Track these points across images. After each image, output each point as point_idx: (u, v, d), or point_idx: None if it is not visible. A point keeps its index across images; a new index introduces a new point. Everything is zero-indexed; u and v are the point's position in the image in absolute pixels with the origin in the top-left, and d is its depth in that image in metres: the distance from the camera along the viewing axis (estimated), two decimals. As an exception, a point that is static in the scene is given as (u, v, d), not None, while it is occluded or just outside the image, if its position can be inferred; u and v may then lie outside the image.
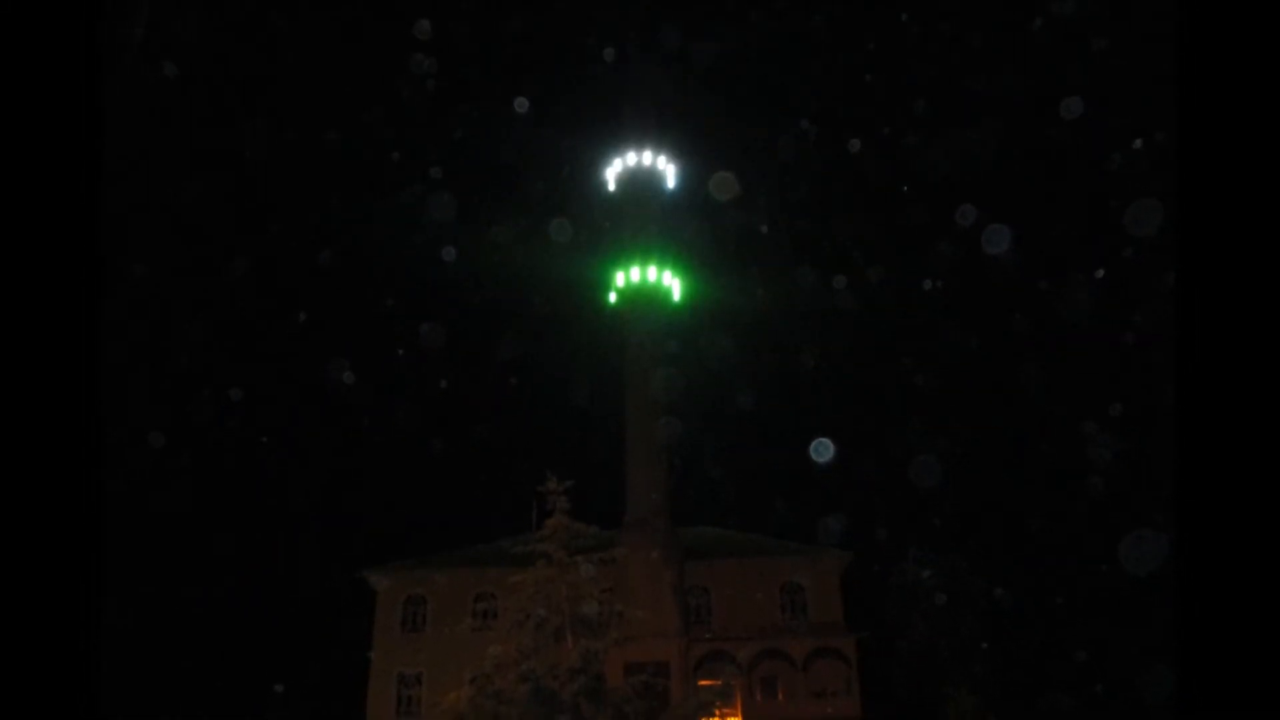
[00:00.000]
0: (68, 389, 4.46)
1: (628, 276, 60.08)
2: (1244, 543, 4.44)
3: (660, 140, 64.92)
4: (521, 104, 68.20)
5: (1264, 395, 4.42)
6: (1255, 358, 4.44)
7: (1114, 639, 53.42)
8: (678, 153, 65.91)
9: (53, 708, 4.40)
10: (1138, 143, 53.73)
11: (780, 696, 52.04)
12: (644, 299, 59.26)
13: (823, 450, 56.01)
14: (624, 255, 60.90)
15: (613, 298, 61.41)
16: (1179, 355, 4.62)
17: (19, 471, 4.35)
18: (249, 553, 69.01)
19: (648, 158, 63.76)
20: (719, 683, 47.24)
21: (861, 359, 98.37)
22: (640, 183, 63.16)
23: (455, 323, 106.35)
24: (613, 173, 64.70)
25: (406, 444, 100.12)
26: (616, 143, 65.02)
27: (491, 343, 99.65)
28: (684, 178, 65.92)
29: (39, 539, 4.37)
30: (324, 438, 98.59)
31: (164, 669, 58.38)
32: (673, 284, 61.10)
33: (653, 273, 59.97)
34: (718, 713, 46.14)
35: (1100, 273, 62.96)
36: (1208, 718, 4.48)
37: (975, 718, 53.70)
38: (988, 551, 60.49)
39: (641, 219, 61.80)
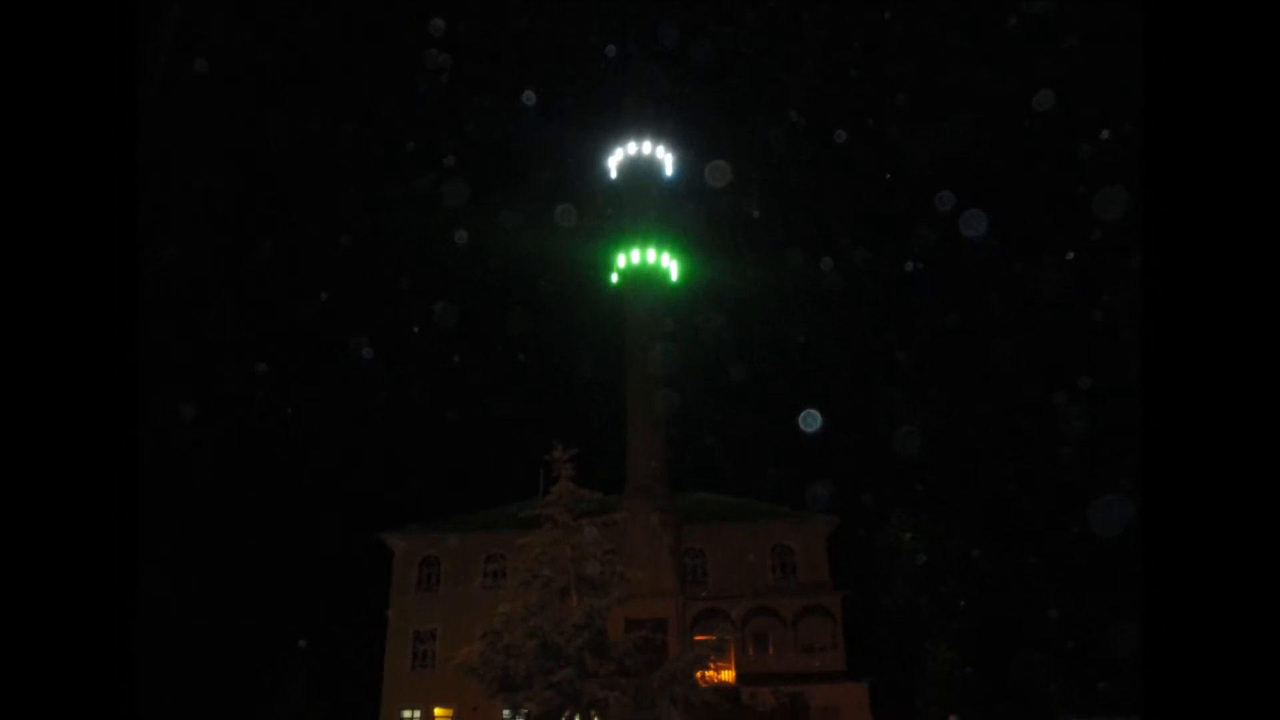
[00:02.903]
0: (105, 363, 4.47)
1: (628, 258, 60.04)
2: (1207, 506, 4.46)
3: (659, 131, 64.82)
4: (529, 97, 68.37)
5: (1224, 369, 4.44)
6: (1216, 334, 4.45)
7: (1084, 598, 53.55)
8: (675, 142, 65.84)
9: (89, 665, 4.41)
10: (1105, 133, 53.65)
11: (771, 651, 52.18)
12: (644, 279, 59.22)
13: (811, 421, 56.14)
14: (625, 238, 60.85)
15: (614, 278, 61.40)
16: (1145, 332, 4.63)
17: (60, 440, 4.37)
18: (274, 517, 69.01)
19: (647, 147, 63.65)
20: (714, 638, 47.11)
21: (847, 335, 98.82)
22: (640, 171, 63.07)
23: (467, 302, 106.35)
24: (614, 161, 64.64)
25: (421, 415, 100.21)
26: (618, 133, 64.93)
27: (501, 320, 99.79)
28: (681, 166, 65.83)
29: (78, 503, 4.39)
30: (344, 409, 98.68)
31: (194, 625, 58.58)
32: (671, 265, 61.05)
33: (652, 255, 59.92)
34: (713, 666, 46.18)
35: (1070, 255, 63.01)
36: (1173, 672, 4.50)
37: (953, 671, 53.90)
38: (965, 516, 60.59)
39: (641, 205, 61.72)
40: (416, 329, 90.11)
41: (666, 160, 64.64)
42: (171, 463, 57.23)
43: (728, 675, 49.68)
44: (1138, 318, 4.75)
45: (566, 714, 35.95)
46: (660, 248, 60.51)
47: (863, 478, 64.14)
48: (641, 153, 63.45)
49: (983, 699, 52.66)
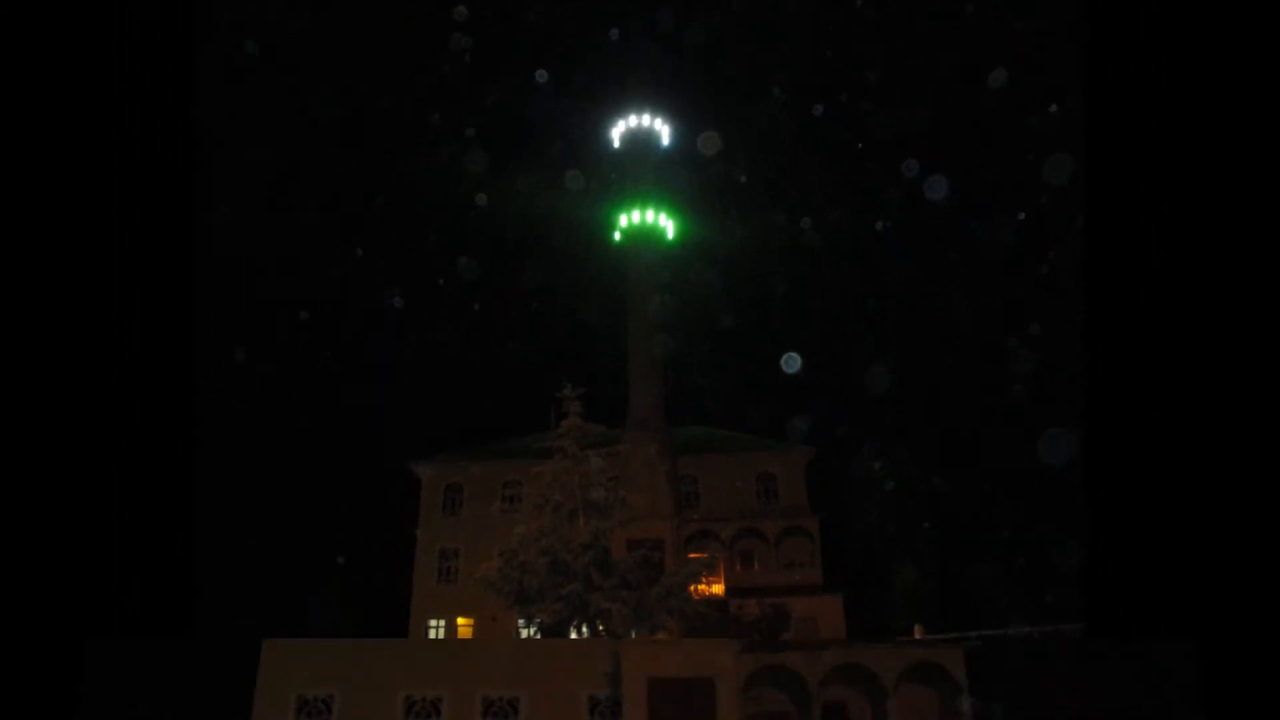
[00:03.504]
0: (168, 310, 4.52)
1: (629, 219, 59.77)
2: (1142, 439, 4.52)
3: (657, 105, 64.36)
4: (542, 76, 68.57)
5: (1159, 317, 4.48)
6: (1152, 286, 4.50)
7: (1032, 519, 53.85)
8: (671, 115, 65.29)
9: (155, 574, 4.49)
10: (1053, 107, 53.45)
11: (756, 567, 52.46)
12: (643, 238, 58.96)
13: (791, 362, 56.36)
14: (626, 201, 60.54)
15: (617, 236, 61.11)
16: (1086, 284, 4.68)
17: (130, 375, 4.44)
18: (316, 448, 69.32)
19: (646, 120, 63.25)
20: (705, 556, 47.49)
21: (824, 287, 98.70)
22: (640, 141, 62.69)
23: (487, 257, 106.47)
24: (617, 132, 64.19)
25: (447, 357, 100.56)
26: (620, 107, 64.41)
27: (517, 274, 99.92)
28: (676, 136, 65.32)
29: (146, 432, 4.46)
30: (378, 352, 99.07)
31: (247, 543, 58.97)
32: (667, 225, 60.76)
33: (650, 216, 59.63)
34: (704, 581, 46.57)
35: (1021, 215, 63.05)
36: (1112, 585, 4.58)
37: (917, 585, 54.30)
38: (928, 447, 60.90)
39: (641, 171, 61.39)
40: (442, 281, 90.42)
41: (663, 131, 64.21)
42: (225, 399, 57.38)
43: (718, 589, 50.07)
44: (1081, 271, 4.80)
45: (575, 623, 36.34)
46: (658, 209, 60.22)
47: (837, 413, 64.50)
48: (641, 125, 63.07)
49: (944, 610, 53.04)
